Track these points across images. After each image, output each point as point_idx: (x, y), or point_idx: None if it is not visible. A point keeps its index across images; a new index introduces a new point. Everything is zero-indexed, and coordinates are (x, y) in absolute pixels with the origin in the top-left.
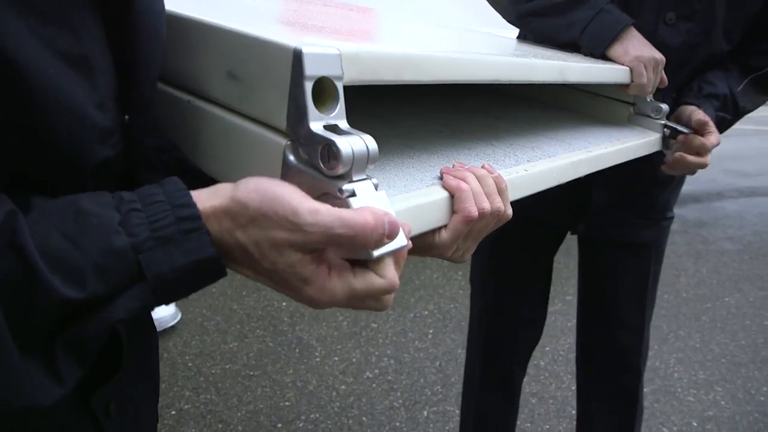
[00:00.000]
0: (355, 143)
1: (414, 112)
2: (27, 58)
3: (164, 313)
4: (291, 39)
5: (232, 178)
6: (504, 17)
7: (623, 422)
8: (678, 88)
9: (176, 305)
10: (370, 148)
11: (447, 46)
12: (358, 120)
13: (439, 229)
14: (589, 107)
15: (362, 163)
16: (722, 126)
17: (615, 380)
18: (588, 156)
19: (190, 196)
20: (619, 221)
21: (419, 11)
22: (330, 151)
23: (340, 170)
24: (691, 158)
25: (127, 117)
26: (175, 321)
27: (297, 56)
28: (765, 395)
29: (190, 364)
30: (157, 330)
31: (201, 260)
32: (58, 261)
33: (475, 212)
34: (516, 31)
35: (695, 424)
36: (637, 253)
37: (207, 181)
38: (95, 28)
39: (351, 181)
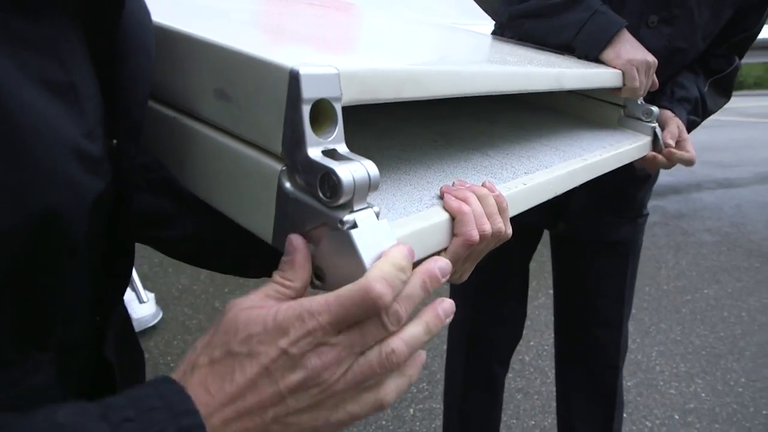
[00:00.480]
0: (356, 171)
1: (405, 118)
2: (9, 92)
3: (145, 313)
4: (286, 58)
5: (222, 201)
6: (494, 18)
7: (603, 417)
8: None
9: (157, 304)
10: (371, 174)
11: (440, 53)
12: (348, 129)
13: (438, 252)
14: (580, 109)
15: (364, 191)
16: (691, 128)
17: (594, 376)
18: (584, 164)
19: (191, 401)
20: (598, 220)
21: (395, 2)
22: (329, 179)
23: (342, 200)
24: (678, 153)
25: (115, 141)
26: (156, 320)
27: (294, 78)
28: (743, 386)
29: (172, 365)
30: (138, 330)
31: None
32: None
33: (476, 236)
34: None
35: (677, 416)
36: (615, 251)
37: (193, 200)
38: (80, 51)
39: (352, 211)
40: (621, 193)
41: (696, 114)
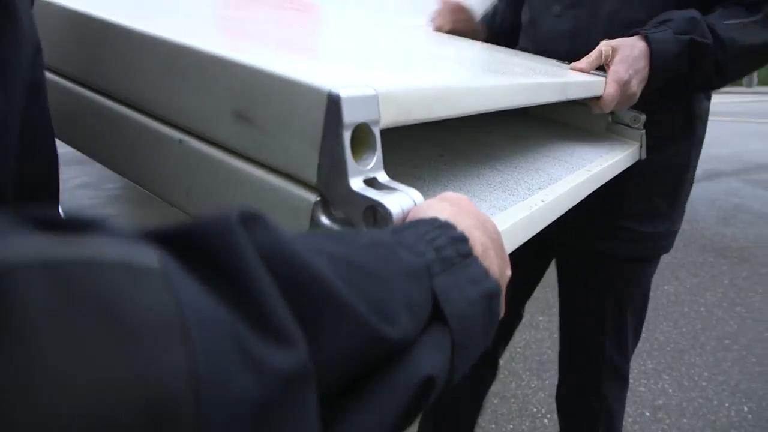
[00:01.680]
0: (403, 202)
1: (399, 130)
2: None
3: None
4: (321, 78)
5: None
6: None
7: None
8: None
9: None
10: (418, 205)
11: (450, 65)
12: None
13: None
14: (568, 115)
15: None
16: (700, 51)
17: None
18: (588, 176)
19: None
20: (592, 229)
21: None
22: (376, 213)
23: None
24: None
25: None
26: None
27: (333, 101)
28: (706, 380)
29: None
30: None
31: (487, 293)
32: (357, 287)
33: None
34: None
35: (647, 413)
36: (627, 266)
37: None
38: None
39: None
40: (638, 202)
41: (696, 33)
